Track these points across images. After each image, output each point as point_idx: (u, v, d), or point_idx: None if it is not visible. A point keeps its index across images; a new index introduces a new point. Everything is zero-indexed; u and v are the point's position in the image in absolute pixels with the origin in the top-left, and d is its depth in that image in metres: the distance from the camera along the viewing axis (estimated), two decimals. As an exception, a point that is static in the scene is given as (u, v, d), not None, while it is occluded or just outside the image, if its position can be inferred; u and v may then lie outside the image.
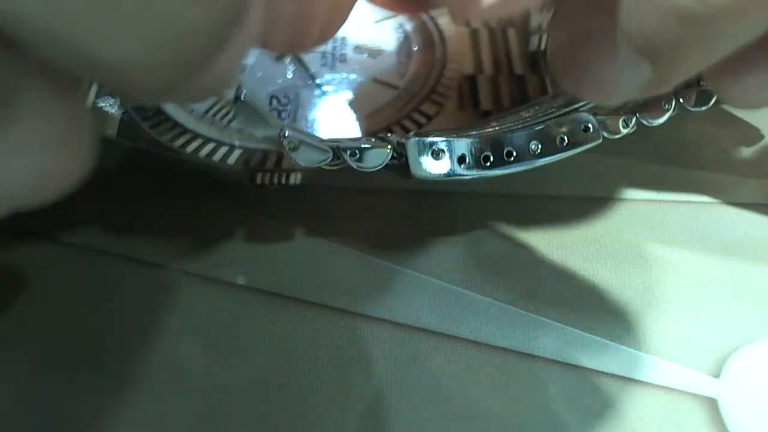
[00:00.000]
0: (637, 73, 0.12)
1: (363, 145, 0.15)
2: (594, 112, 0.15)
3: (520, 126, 0.15)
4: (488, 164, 0.14)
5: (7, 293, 0.15)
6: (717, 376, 0.14)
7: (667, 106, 0.16)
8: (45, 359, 0.14)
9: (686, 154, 0.18)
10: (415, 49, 0.20)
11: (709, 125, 0.19)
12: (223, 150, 0.19)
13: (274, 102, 0.20)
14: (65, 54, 0.09)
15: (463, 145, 0.14)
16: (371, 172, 0.14)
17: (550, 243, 0.16)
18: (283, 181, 0.18)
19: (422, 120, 0.19)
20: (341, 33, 0.21)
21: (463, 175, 0.14)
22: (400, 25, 0.21)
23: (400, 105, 0.20)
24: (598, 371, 0.14)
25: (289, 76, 0.21)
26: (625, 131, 0.15)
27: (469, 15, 0.16)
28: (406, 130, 0.19)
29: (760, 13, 0.11)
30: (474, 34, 0.20)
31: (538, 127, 0.15)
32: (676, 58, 0.12)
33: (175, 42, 0.09)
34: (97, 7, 0.08)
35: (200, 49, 0.10)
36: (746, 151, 0.19)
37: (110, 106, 0.16)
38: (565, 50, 0.13)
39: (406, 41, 0.20)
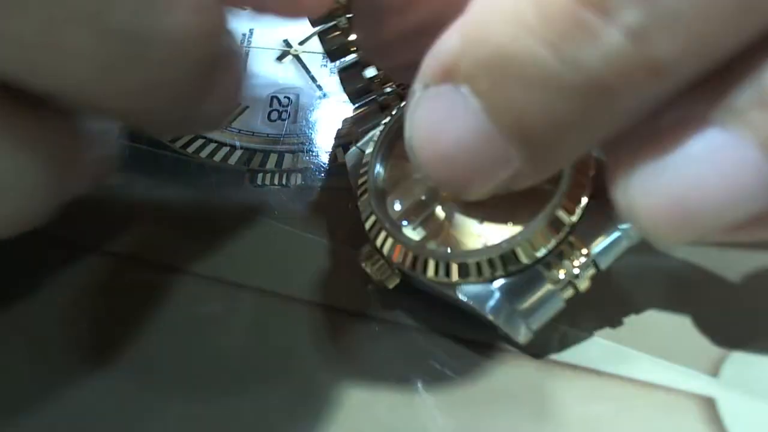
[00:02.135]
0: (502, 159, 0.10)
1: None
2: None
3: None
4: None
5: (9, 293, 0.15)
6: (715, 375, 0.14)
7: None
8: (45, 357, 0.14)
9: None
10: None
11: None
12: (224, 150, 0.19)
13: (275, 102, 0.20)
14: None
15: None
16: None
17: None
18: (284, 181, 0.18)
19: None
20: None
21: None
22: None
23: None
24: (597, 371, 0.14)
25: (290, 76, 0.21)
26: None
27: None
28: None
29: (651, 82, 0.09)
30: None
31: None
32: (551, 139, 0.09)
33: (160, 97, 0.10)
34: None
35: (181, 99, 0.11)
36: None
37: None
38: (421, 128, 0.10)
39: (406, 42, 0.20)
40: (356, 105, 0.17)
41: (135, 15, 0.09)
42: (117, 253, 0.16)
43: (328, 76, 0.21)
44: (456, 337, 0.15)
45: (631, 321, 0.15)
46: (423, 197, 0.14)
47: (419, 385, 0.14)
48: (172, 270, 0.16)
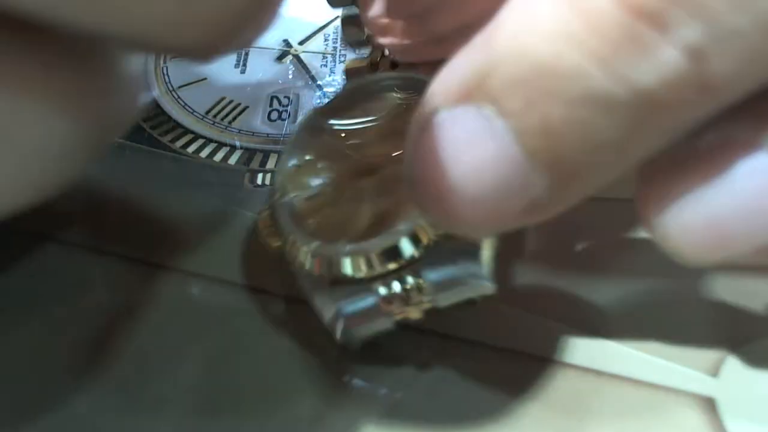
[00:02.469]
0: (522, 189, 0.09)
1: None
2: None
3: None
4: None
5: (6, 293, 0.15)
6: (715, 375, 0.14)
7: None
8: (42, 357, 0.14)
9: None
10: (415, 49, 0.20)
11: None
12: (225, 150, 0.19)
13: (275, 102, 0.20)
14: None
15: None
16: None
17: (550, 243, 0.16)
18: (284, 181, 0.18)
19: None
20: (341, 34, 0.21)
21: None
22: (400, 26, 0.21)
23: (401, 106, 0.20)
24: (596, 370, 0.14)
25: (290, 76, 0.21)
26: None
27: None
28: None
29: (702, 101, 0.08)
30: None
31: None
32: (583, 164, 0.09)
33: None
34: None
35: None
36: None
37: None
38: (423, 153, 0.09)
39: (406, 42, 0.20)
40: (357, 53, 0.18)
41: None
42: (115, 253, 0.16)
43: (328, 76, 0.21)
44: (454, 337, 0.15)
45: (630, 321, 0.15)
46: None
47: (417, 385, 0.14)
48: (171, 270, 0.16)
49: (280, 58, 0.21)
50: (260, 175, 0.18)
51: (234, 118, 0.19)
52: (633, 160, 0.09)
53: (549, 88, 0.08)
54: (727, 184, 0.09)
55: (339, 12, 0.18)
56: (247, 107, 0.20)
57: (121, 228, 0.17)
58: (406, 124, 0.10)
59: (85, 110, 0.10)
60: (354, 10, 0.17)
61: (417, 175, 0.09)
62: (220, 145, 0.19)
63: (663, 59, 0.08)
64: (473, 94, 0.09)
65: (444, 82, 0.09)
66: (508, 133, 0.08)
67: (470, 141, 0.09)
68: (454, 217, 0.09)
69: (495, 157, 0.09)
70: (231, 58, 0.21)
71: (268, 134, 0.19)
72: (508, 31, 0.09)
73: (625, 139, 0.08)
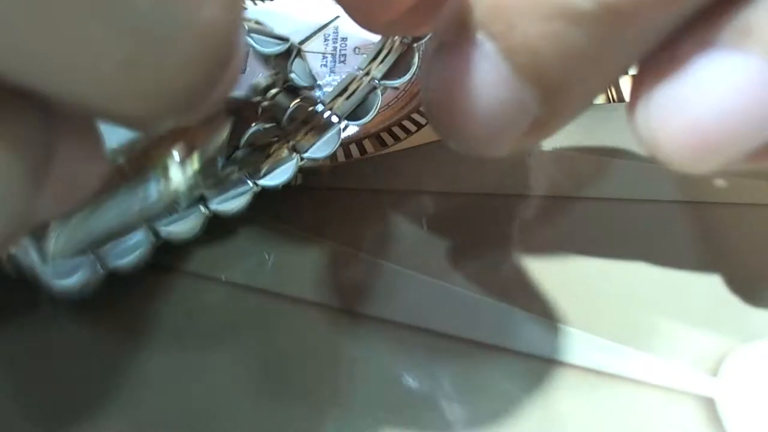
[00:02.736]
0: (520, 106, 0.10)
1: None
2: None
3: None
4: None
5: (8, 298, 0.15)
6: (715, 375, 0.14)
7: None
8: (43, 353, 0.14)
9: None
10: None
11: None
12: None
13: (275, 102, 0.20)
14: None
15: None
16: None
17: (550, 243, 0.16)
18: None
19: (422, 120, 0.20)
20: (341, 34, 0.21)
21: None
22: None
23: (401, 105, 0.20)
24: (596, 370, 0.14)
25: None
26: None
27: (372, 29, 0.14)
28: (406, 131, 0.19)
29: (663, 5, 0.09)
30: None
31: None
32: (565, 76, 0.09)
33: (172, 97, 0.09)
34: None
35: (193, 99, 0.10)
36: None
37: None
38: (434, 85, 0.10)
39: (406, 42, 0.20)
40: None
41: (163, 5, 0.09)
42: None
43: (328, 75, 0.21)
44: (453, 336, 0.15)
45: (631, 321, 0.15)
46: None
47: (417, 385, 0.14)
48: (170, 270, 0.16)
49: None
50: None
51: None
52: (611, 69, 0.10)
53: (525, 7, 0.09)
54: (698, 86, 0.09)
55: (339, 12, 0.18)
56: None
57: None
58: None
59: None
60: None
61: (431, 102, 0.10)
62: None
63: None
64: (467, 23, 0.10)
65: (443, 18, 0.10)
66: (497, 54, 0.09)
67: (470, 65, 0.10)
68: (467, 135, 0.10)
69: (491, 77, 0.10)
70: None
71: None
72: None
73: (598, 49, 0.09)
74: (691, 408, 0.13)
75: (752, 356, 0.14)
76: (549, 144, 0.19)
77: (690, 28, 0.09)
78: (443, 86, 0.10)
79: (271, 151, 0.16)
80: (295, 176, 0.17)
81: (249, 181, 0.15)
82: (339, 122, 0.16)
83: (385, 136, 0.19)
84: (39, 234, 0.13)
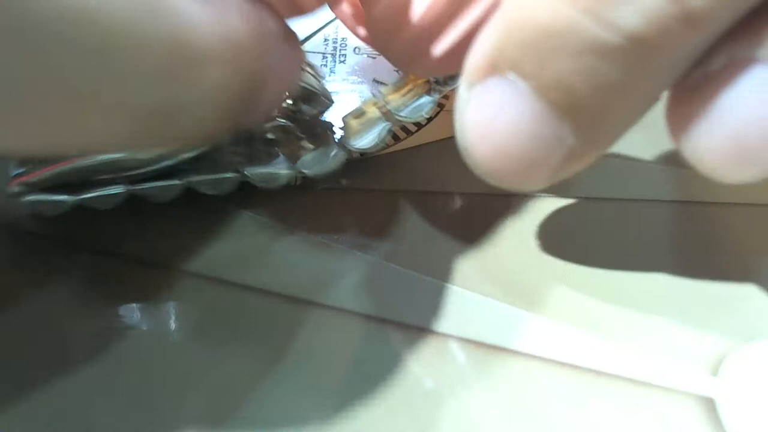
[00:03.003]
0: (556, 140, 0.10)
1: None
2: None
3: None
4: None
5: (6, 292, 0.15)
6: (714, 375, 0.14)
7: None
8: (42, 354, 0.14)
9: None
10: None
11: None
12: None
13: (275, 102, 0.20)
14: None
15: None
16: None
17: (551, 244, 0.16)
18: (284, 181, 0.18)
19: (422, 120, 0.19)
20: (341, 34, 0.21)
21: None
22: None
23: (400, 105, 0.20)
24: (595, 370, 0.14)
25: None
26: None
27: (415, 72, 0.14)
28: (407, 131, 0.19)
29: (690, 33, 0.09)
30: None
31: None
32: (599, 108, 0.10)
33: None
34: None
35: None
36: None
37: None
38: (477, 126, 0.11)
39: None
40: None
41: (162, 87, 0.09)
42: (111, 252, 0.16)
43: (328, 75, 0.21)
44: (453, 336, 0.15)
45: (630, 321, 0.15)
46: None
47: (417, 384, 0.14)
48: (169, 270, 0.16)
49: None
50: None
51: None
52: (645, 98, 0.10)
53: (554, 46, 0.09)
54: (738, 100, 0.09)
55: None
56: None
57: (118, 227, 0.17)
58: None
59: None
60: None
61: (467, 144, 0.11)
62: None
63: (644, 2, 0.09)
64: (498, 64, 0.10)
65: (474, 60, 0.10)
66: (531, 92, 0.10)
67: (503, 105, 0.10)
68: (506, 172, 0.11)
69: (525, 114, 0.10)
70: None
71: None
72: (513, 3, 0.10)
73: (630, 79, 0.09)
74: (691, 408, 0.13)
75: (752, 356, 0.14)
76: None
77: (720, 44, 0.10)
78: (479, 126, 0.10)
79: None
80: (295, 177, 0.17)
81: (236, 171, 0.16)
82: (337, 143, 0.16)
83: (385, 136, 0.19)
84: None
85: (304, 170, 0.16)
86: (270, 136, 0.16)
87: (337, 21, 0.21)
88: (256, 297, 0.15)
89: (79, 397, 0.14)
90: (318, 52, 0.21)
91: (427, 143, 0.19)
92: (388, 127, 0.16)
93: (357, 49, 0.20)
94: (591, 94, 0.09)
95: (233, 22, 0.10)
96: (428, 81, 0.16)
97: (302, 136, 0.16)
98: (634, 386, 0.14)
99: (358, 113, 0.16)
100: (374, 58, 0.20)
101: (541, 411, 0.13)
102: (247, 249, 0.16)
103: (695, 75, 0.10)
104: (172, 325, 0.15)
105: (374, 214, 0.17)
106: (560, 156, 0.10)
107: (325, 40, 0.21)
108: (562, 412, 0.13)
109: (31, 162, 0.15)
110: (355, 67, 0.20)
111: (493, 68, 0.10)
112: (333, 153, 0.16)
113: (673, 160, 0.18)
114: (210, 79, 0.10)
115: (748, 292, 0.15)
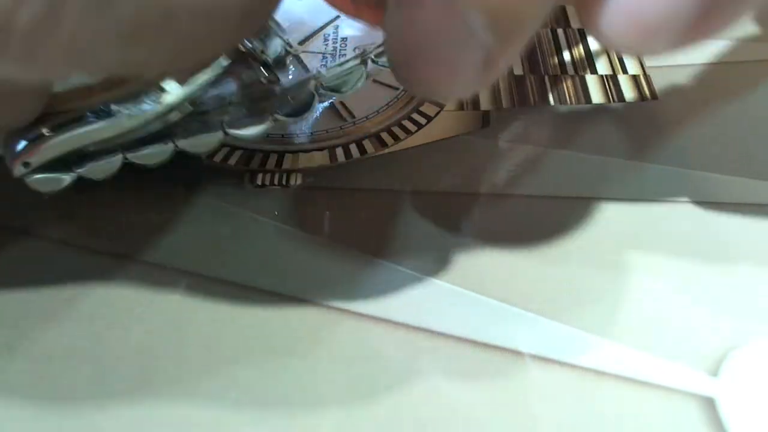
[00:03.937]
0: (470, 39, 0.10)
1: None
2: None
3: None
4: None
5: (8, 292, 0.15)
6: (715, 375, 0.14)
7: None
8: (32, 352, 0.14)
9: (681, 154, 0.19)
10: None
11: (699, 126, 0.19)
12: (225, 150, 0.19)
13: (275, 102, 0.20)
14: None
15: None
16: None
17: (549, 244, 0.16)
18: (284, 181, 0.18)
19: (422, 120, 0.20)
20: (341, 34, 0.21)
21: None
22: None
23: (400, 105, 0.20)
24: (595, 370, 0.14)
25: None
26: None
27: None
28: (407, 131, 0.19)
29: None
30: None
31: None
32: (520, 8, 0.10)
33: None
34: None
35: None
36: (737, 150, 0.19)
37: None
38: (398, 43, 0.11)
39: (406, 42, 0.20)
40: None
41: None
42: (110, 252, 0.16)
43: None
44: (453, 336, 0.15)
45: (630, 320, 0.15)
46: None
47: (417, 384, 0.14)
48: (168, 270, 0.16)
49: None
50: (260, 175, 0.18)
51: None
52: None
53: None
54: None
55: (339, 12, 0.18)
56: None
57: (117, 227, 0.17)
58: None
59: None
60: None
61: (393, 48, 0.11)
62: (221, 145, 0.19)
63: None
64: None
65: None
66: None
67: (420, 8, 0.10)
68: (426, 75, 0.11)
69: (441, 17, 0.10)
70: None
71: (268, 134, 0.19)
72: None
73: None
74: (691, 408, 0.13)
75: (752, 356, 0.14)
76: (550, 145, 0.19)
77: None
78: (400, 30, 0.11)
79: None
80: (295, 176, 0.17)
81: (221, 130, 0.15)
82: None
83: (385, 136, 0.19)
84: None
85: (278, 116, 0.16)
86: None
87: (338, 21, 0.21)
88: (256, 297, 0.15)
89: (73, 392, 0.14)
90: (318, 52, 0.21)
91: (427, 143, 0.19)
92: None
93: (357, 49, 0.20)
94: None
95: None
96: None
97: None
98: (635, 386, 0.14)
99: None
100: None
101: (541, 411, 0.13)
102: (248, 249, 0.16)
103: None
104: (170, 325, 0.15)
105: (373, 214, 0.17)
106: (477, 59, 0.11)
107: (325, 40, 0.21)
108: (563, 412, 0.13)
109: (25, 131, 0.15)
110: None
111: None
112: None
113: (673, 159, 0.18)
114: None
115: (748, 292, 0.15)
